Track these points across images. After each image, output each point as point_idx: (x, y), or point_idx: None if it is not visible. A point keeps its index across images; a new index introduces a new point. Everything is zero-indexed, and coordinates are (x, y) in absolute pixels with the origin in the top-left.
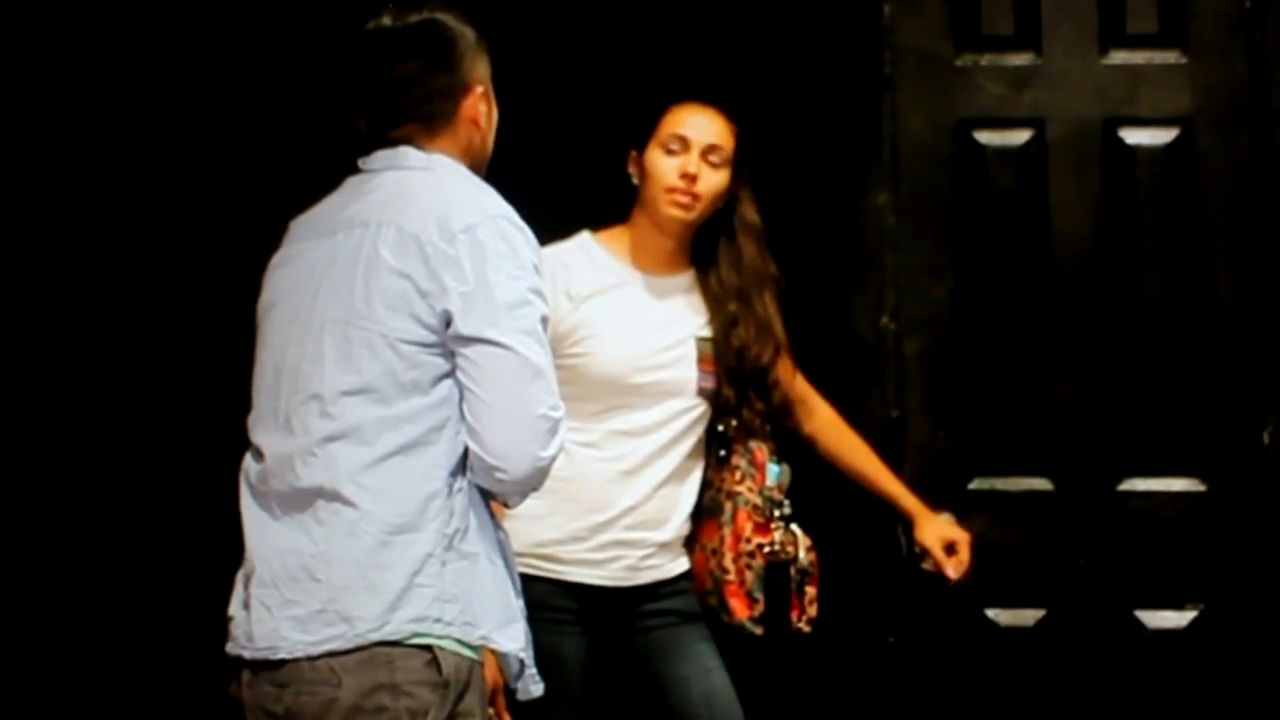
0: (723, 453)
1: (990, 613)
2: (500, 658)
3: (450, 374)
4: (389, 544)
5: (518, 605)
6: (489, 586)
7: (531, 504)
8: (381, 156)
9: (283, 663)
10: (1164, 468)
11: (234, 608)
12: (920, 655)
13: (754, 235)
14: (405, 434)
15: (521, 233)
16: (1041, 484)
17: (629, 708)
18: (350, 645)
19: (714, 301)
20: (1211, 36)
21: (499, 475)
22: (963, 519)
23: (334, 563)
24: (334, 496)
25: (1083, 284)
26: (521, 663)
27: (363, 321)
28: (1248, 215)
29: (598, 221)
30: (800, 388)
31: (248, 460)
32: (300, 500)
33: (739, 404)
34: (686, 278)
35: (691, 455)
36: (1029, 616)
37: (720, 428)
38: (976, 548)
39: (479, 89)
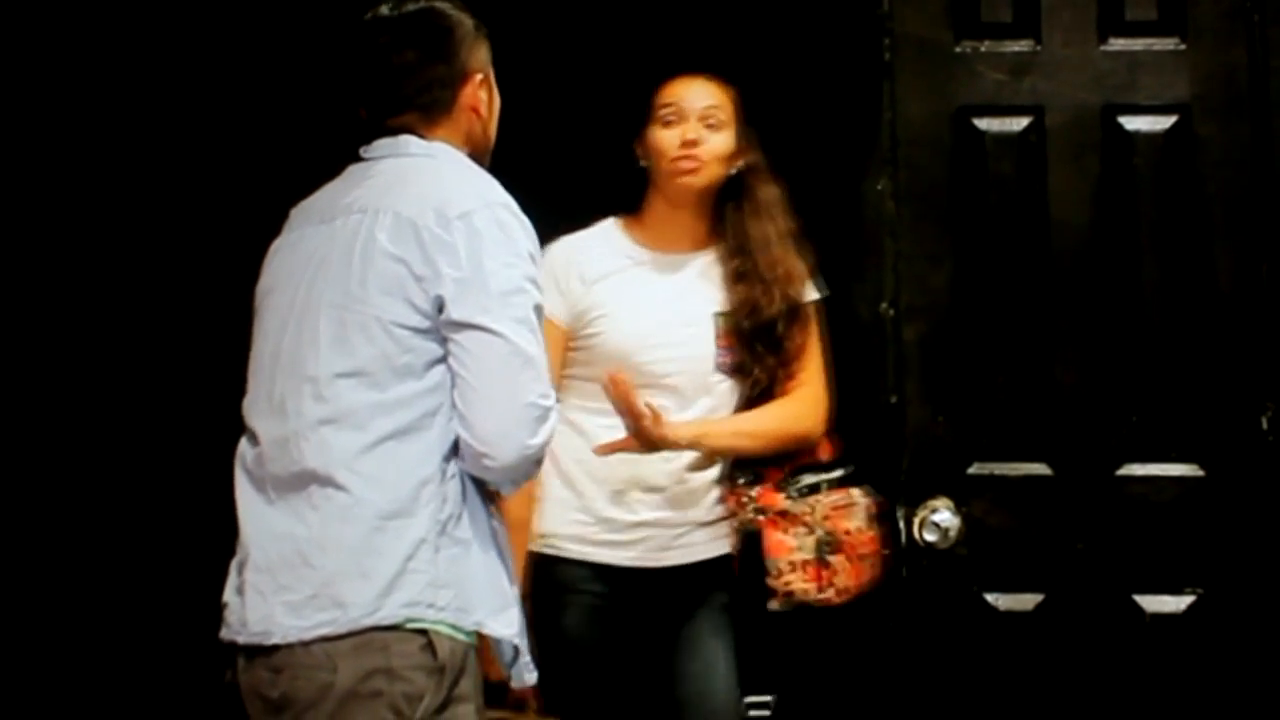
0: None
1: (989, 597)
2: (494, 644)
3: (444, 359)
4: (382, 529)
5: (512, 592)
6: (482, 573)
7: (560, 488)
8: (382, 145)
9: (276, 648)
10: (1162, 453)
11: (228, 594)
12: (918, 639)
13: (765, 202)
14: (398, 419)
15: (519, 221)
16: (1040, 469)
17: (651, 692)
18: (343, 630)
19: (729, 271)
20: (1210, 23)
21: (486, 462)
22: (962, 504)
23: (328, 548)
24: (327, 482)
25: (1081, 270)
26: (516, 649)
27: (358, 305)
28: (1246, 202)
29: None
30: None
31: (243, 444)
32: (295, 484)
33: (752, 365)
34: (705, 255)
35: None
36: (1027, 601)
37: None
38: (976, 532)
39: (478, 77)
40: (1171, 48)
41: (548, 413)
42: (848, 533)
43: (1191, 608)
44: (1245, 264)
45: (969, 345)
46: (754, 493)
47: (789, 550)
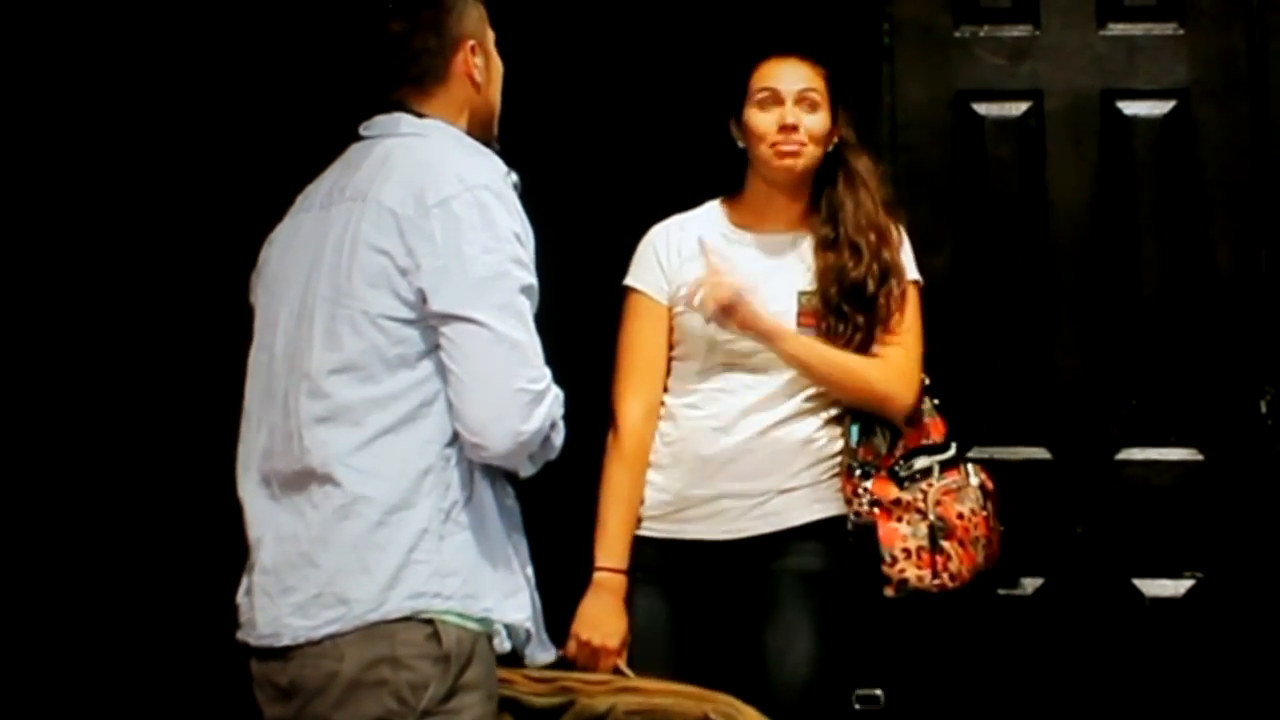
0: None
1: (989, 581)
2: (508, 627)
3: (438, 348)
4: (384, 524)
5: (525, 574)
6: (490, 557)
7: (653, 472)
8: (379, 122)
9: (287, 648)
10: (1161, 437)
11: (239, 595)
12: (919, 623)
13: (861, 178)
14: (394, 412)
15: (501, 202)
16: (1040, 453)
17: (740, 664)
18: (350, 627)
19: (818, 240)
20: (1209, 8)
21: (482, 452)
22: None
23: (330, 547)
24: (326, 479)
25: (1080, 255)
26: (528, 632)
27: (346, 299)
28: (1244, 186)
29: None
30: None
31: (247, 440)
32: (297, 482)
33: (842, 328)
34: (799, 234)
35: (810, 409)
36: (1028, 585)
37: None
38: None
39: (470, 43)
40: (1170, 32)
41: (540, 397)
42: (960, 516)
43: (1191, 592)
44: (1244, 248)
45: (968, 329)
46: (868, 484)
47: (902, 538)
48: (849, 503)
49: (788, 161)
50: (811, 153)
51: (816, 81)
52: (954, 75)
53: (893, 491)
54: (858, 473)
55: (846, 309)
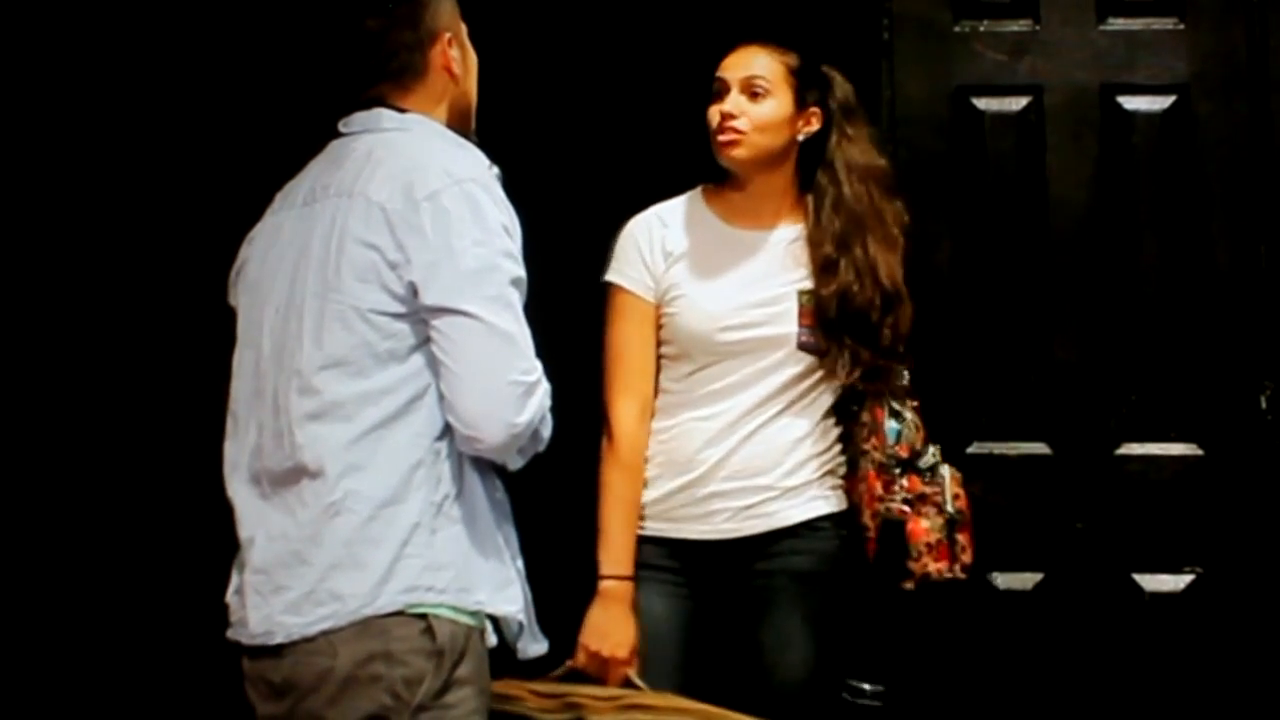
0: (854, 408)
1: (989, 576)
2: (500, 619)
3: (428, 341)
4: (375, 518)
5: (516, 566)
6: (482, 550)
7: (649, 468)
8: (358, 119)
9: (280, 646)
10: (1161, 432)
11: (229, 595)
12: (919, 617)
13: (859, 174)
14: (384, 407)
15: (489, 195)
16: (1039, 448)
17: (737, 665)
18: (344, 623)
19: (812, 248)
20: (1209, 3)
21: (476, 445)
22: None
23: (322, 543)
24: (317, 475)
25: (1080, 250)
26: (520, 624)
27: (334, 295)
28: (1244, 181)
29: None
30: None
31: (235, 439)
32: (288, 479)
33: (840, 352)
34: (791, 230)
35: (803, 407)
36: (1027, 580)
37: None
38: (976, 512)
39: (446, 36)
40: (1170, 27)
41: (533, 388)
42: (963, 510)
43: (1190, 586)
44: (1243, 243)
45: (968, 324)
46: (904, 480)
47: (925, 533)
48: (880, 499)
49: (726, 153)
50: (756, 141)
51: (769, 68)
52: (954, 70)
53: (919, 486)
54: (896, 469)
55: (850, 340)
